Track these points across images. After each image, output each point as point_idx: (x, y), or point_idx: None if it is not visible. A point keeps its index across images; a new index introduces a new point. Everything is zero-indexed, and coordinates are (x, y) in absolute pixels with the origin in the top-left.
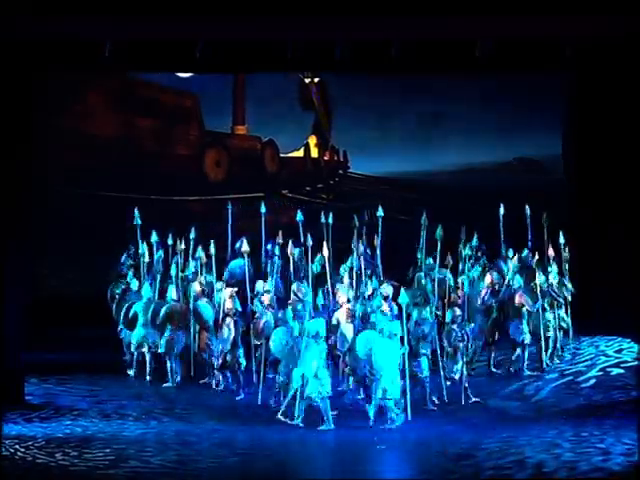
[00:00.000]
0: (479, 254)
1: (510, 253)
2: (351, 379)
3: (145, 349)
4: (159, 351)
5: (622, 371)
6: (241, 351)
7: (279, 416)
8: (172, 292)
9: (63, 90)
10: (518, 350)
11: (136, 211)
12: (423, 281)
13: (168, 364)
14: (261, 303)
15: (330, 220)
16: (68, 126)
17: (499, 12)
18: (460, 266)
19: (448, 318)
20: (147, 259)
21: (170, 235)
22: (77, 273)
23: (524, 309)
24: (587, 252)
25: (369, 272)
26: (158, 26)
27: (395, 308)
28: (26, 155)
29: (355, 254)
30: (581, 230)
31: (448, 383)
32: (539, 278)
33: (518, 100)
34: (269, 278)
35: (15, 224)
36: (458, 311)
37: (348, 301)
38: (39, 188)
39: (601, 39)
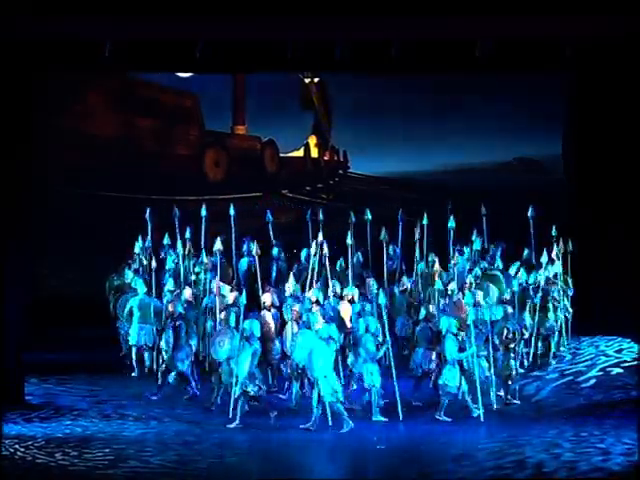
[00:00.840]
0: (477, 257)
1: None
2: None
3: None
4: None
5: (622, 371)
6: (183, 353)
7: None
8: (141, 285)
9: (63, 90)
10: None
11: (148, 210)
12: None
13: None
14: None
15: (321, 217)
16: (68, 126)
17: (499, 12)
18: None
19: (499, 316)
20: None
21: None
22: (77, 273)
23: (549, 303)
24: (587, 252)
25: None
26: (158, 26)
27: (358, 306)
28: (26, 155)
29: (385, 254)
30: (581, 230)
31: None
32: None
33: (518, 100)
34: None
35: (15, 224)
36: (510, 309)
37: (317, 302)
38: (39, 188)
39: (601, 39)
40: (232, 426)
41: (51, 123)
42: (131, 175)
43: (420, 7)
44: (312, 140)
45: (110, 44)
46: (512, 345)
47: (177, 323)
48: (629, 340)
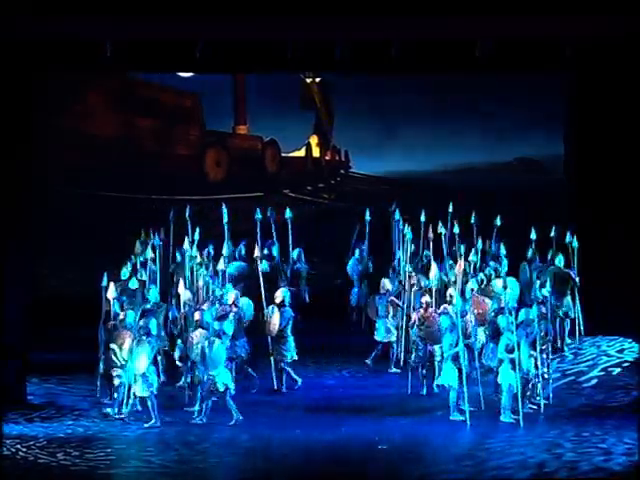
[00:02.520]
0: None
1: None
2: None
3: None
4: None
5: (624, 371)
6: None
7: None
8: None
9: (63, 90)
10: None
11: (224, 208)
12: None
13: None
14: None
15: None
16: (68, 126)
17: (499, 12)
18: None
19: (533, 315)
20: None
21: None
22: (77, 273)
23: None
24: (587, 252)
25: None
26: (158, 26)
27: (290, 311)
28: (26, 155)
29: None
30: (581, 230)
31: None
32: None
33: (518, 100)
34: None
35: (15, 224)
36: (544, 309)
37: (234, 304)
38: (39, 188)
39: (601, 39)
40: (120, 416)
41: (51, 123)
42: (131, 175)
43: (420, 7)
44: (313, 140)
45: (110, 44)
46: (544, 347)
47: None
48: (630, 340)
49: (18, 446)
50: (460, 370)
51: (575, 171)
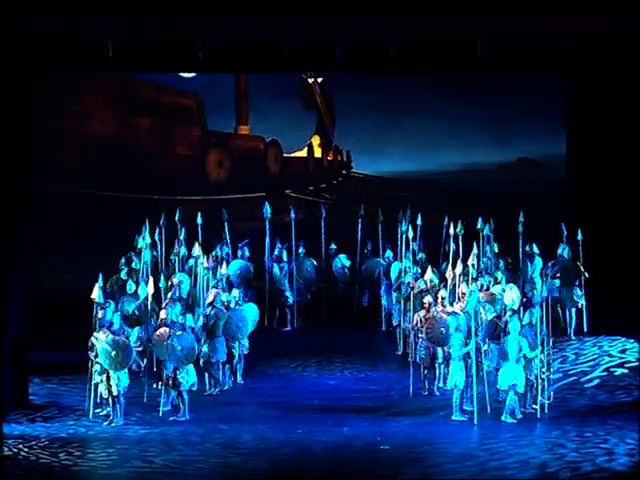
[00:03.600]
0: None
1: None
2: None
3: None
4: None
5: (626, 371)
6: None
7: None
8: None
9: (63, 90)
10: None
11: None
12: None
13: None
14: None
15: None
16: (68, 126)
17: (499, 12)
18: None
19: (536, 317)
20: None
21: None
22: (77, 273)
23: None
24: (588, 252)
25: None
26: (158, 26)
27: (219, 312)
28: (26, 155)
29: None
30: (581, 230)
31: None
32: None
33: (518, 100)
34: None
35: (15, 224)
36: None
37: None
38: (39, 188)
39: (602, 39)
40: (107, 423)
41: (51, 123)
42: (131, 175)
43: (420, 7)
44: (315, 140)
45: (111, 44)
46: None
47: None
48: (632, 340)
49: (20, 446)
50: (466, 370)
51: (576, 171)
